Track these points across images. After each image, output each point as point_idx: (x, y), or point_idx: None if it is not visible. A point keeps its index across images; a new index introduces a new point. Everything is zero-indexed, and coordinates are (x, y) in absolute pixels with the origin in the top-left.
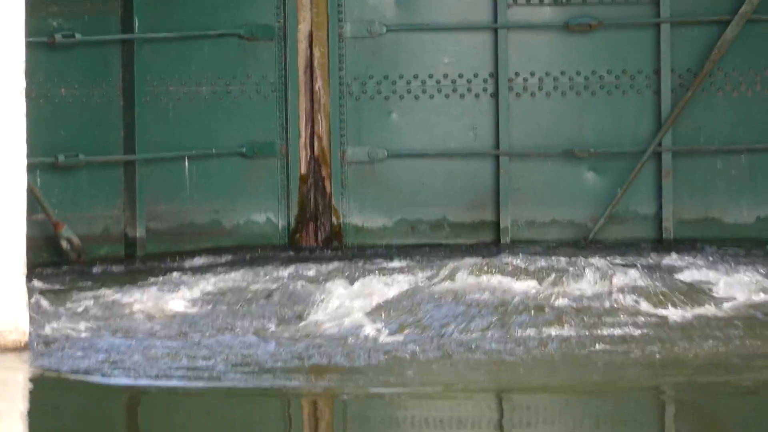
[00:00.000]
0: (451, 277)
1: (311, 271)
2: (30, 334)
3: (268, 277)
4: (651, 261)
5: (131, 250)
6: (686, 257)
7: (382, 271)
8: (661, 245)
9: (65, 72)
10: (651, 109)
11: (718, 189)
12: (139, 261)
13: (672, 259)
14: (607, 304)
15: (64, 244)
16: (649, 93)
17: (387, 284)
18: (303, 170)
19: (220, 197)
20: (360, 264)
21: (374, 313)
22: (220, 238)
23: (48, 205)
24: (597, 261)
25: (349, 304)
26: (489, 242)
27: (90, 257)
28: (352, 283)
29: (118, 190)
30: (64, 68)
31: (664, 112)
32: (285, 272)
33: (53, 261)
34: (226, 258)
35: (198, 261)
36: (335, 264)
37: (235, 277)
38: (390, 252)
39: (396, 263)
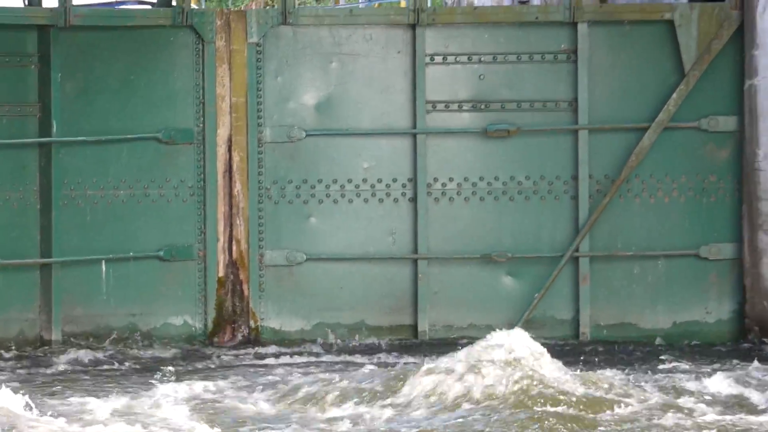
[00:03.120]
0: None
1: None
2: None
3: None
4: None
5: (45, 351)
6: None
7: None
8: (577, 348)
9: None
10: (569, 215)
11: (635, 294)
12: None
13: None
14: None
15: None
16: (567, 198)
17: None
18: (221, 273)
19: (137, 300)
20: None
21: None
22: (137, 342)
23: None
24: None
25: None
26: (406, 348)
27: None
28: None
29: (35, 293)
30: None
31: (582, 218)
32: None
33: None
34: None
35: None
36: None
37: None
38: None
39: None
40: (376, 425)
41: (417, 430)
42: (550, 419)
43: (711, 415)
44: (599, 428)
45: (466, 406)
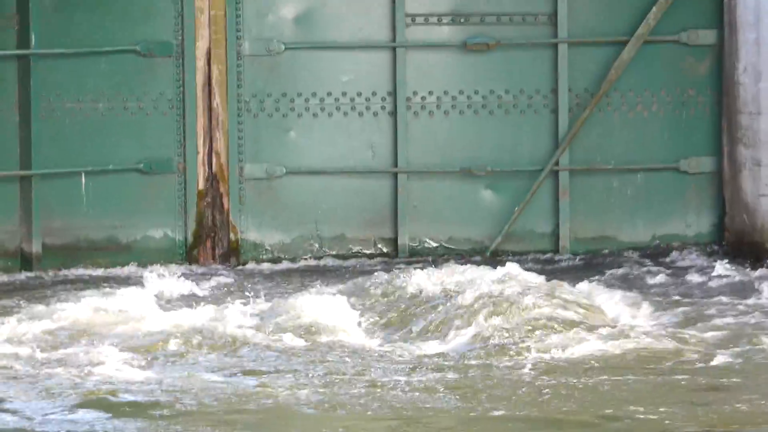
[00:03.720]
0: None
1: None
2: None
3: None
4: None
5: (27, 266)
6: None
7: None
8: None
9: None
10: (548, 129)
11: (614, 207)
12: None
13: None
14: None
15: None
16: (546, 112)
17: None
18: (201, 186)
19: (118, 213)
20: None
21: None
22: (117, 254)
23: None
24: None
25: None
26: (387, 259)
27: None
28: None
29: (15, 205)
30: None
31: (562, 132)
32: None
33: None
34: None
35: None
36: None
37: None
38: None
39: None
40: None
41: None
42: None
43: (676, 297)
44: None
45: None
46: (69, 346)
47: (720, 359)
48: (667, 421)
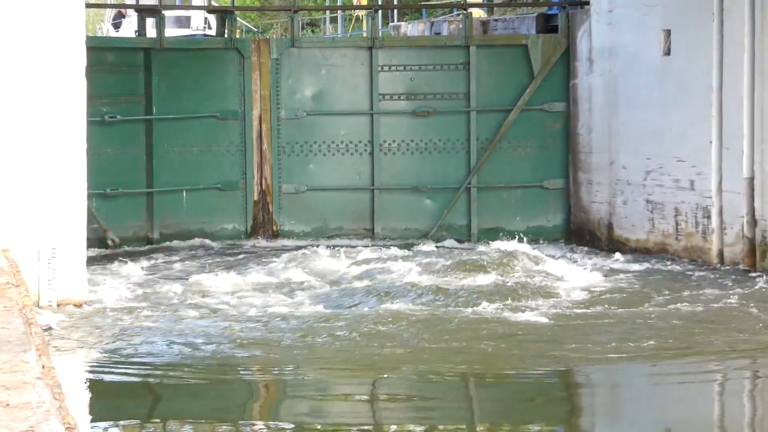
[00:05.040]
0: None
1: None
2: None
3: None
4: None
5: (150, 244)
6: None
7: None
8: (468, 242)
9: (110, 138)
10: (464, 163)
11: (504, 210)
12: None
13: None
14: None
15: (110, 242)
16: (463, 153)
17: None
18: (255, 198)
19: (205, 214)
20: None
21: None
22: (204, 239)
23: (100, 218)
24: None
25: None
26: (367, 241)
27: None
28: None
29: (143, 209)
30: (110, 136)
31: (472, 164)
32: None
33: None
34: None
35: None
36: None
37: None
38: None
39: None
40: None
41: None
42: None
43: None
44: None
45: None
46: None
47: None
48: None
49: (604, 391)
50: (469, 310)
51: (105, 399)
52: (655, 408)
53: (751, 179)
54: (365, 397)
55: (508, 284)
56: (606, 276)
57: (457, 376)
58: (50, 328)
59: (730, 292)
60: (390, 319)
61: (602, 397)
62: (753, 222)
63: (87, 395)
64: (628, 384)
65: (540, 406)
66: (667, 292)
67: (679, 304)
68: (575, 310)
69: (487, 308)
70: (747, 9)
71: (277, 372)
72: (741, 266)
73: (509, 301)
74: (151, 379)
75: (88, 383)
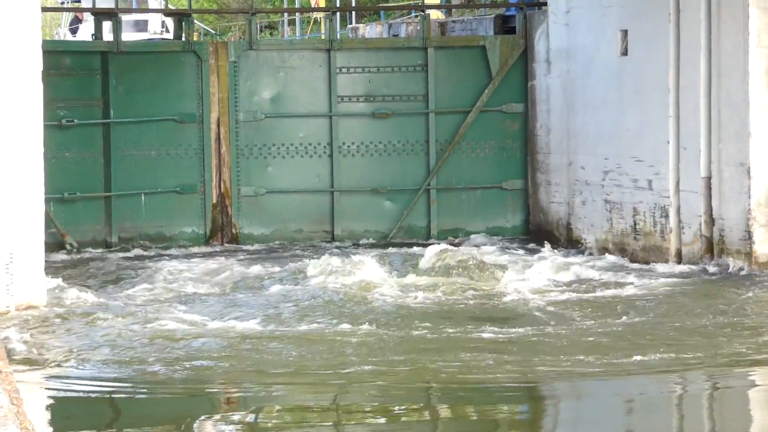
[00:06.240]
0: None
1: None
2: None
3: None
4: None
5: (108, 248)
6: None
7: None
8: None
9: (68, 142)
10: (423, 164)
11: (463, 210)
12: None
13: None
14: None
15: (68, 246)
16: (422, 154)
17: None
18: (214, 201)
19: (163, 218)
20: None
21: None
22: (163, 243)
23: (58, 223)
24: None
25: None
26: (327, 243)
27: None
28: None
29: (101, 213)
30: (67, 140)
31: (431, 166)
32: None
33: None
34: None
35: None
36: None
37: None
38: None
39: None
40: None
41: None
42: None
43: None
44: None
45: None
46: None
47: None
48: None
49: (568, 404)
50: (426, 323)
51: (63, 404)
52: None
53: (709, 179)
54: (327, 411)
55: (466, 293)
56: (565, 277)
57: (422, 390)
58: (7, 337)
59: (690, 292)
60: (346, 336)
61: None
62: (710, 221)
63: (45, 401)
64: (593, 397)
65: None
66: (624, 294)
67: (640, 309)
68: (537, 314)
69: (446, 322)
70: (703, 9)
71: (238, 383)
72: (700, 265)
73: (470, 311)
74: (108, 386)
75: (46, 389)
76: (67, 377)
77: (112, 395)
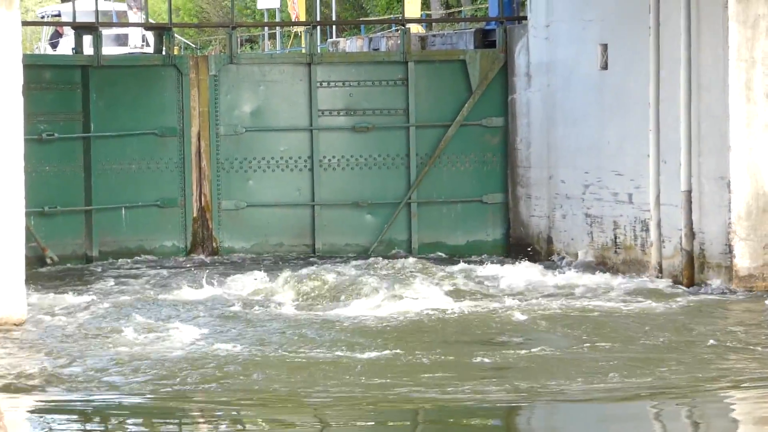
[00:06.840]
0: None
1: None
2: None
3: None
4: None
5: (89, 262)
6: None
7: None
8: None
9: (48, 156)
10: (404, 178)
11: (443, 224)
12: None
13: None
14: None
15: (48, 260)
16: (403, 168)
17: None
18: (195, 215)
19: (144, 231)
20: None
21: None
22: (143, 257)
23: (38, 237)
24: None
25: None
26: (307, 257)
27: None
28: None
29: (82, 227)
30: (48, 154)
31: (412, 179)
32: None
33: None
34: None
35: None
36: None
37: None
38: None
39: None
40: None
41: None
42: None
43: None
44: None
45: None
46: None
47: None
48: None
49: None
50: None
51: (43, 419)
52: None
53: (689, 192)
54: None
55: (452, 308)
56: (544, 291)
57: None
58: None
59: (676, 306)
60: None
61: None
62: (691, 235)
63: (25, 414)
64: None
65: None
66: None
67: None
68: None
69: (433, 336)
70: (683, 22)
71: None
72: (679, 279)
73: (454, 323)
74: (89, 401)
75: (25, 403)
76: (49, 390)
77: (94, 407)
